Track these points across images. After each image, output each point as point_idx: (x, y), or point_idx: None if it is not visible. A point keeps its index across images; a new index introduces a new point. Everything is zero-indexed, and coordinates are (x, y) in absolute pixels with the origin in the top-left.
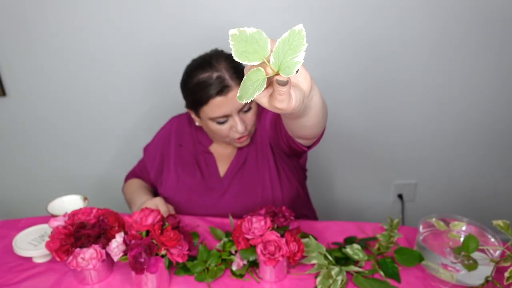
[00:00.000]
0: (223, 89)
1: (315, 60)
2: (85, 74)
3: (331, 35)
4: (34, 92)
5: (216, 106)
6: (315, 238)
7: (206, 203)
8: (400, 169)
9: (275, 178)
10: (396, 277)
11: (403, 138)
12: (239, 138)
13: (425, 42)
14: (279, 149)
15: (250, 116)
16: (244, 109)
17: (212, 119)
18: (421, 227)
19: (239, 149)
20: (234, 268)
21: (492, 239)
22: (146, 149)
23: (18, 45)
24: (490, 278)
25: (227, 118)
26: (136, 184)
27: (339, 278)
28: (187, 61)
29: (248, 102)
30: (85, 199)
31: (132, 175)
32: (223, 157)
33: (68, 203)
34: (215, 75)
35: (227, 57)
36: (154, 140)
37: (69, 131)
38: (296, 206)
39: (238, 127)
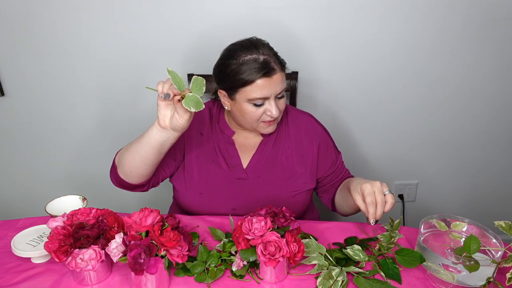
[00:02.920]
0: (270, 71)
1: (315, 60)
2: (84, 74)
3: (331, 35)
4: (32, 92)
5: (260, 87)
6: (316, 239)
7: (231, 192)
8: (401, 170)
9: (298, 180)
10: (397, 278)
11: (403, 138)
12: (268, 122)
13: (424, 42)
14: (314, 164)
15: (282, 103)
16: (279, 96)
17: (251, 100)
18: (422, 228)
19: (262, 141)
20: (234, 268)
21: (494, 240)
22: None
23: (17, 45)
24: (491, 279)
25: (264, 101)
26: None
27: (340, 278)
28: (187, 61)
29: (283, 89)
30: (84, 199)
31: None
32: (246, 149)
33: (67, 204)
34: (261, 57)
35: (268, 45)
36: None
37: (68, 131)
38: (307, 207)
39: (273, 111)
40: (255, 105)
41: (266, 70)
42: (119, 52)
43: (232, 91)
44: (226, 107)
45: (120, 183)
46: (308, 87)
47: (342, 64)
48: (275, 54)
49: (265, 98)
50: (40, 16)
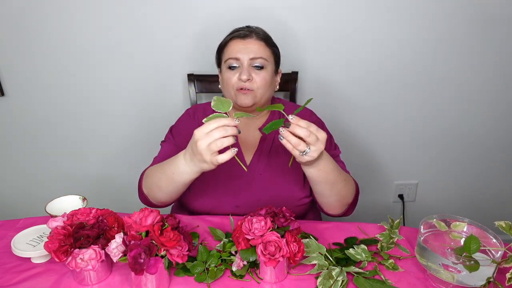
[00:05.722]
0: (243, 34)
1: (315, 60)
2: (84, 75)
3: (331, 35)
4: (32, 92)
5: (233, 48)
6: (316, 239)
7: (234, 189)
8: (401, 170)
9: (299, 176)
10: None
11: (404, 138)
12: (242, 90)
13: (426, 43)
14: None
15: (261, 75)
16: (256, 64)
17: (226, 62)
18: (422, 228)
19: (262, 138)
20: (234, 268)
21: (494, 240)
22: (175, 127)
23: (17, 45)
24: (491, 279)
25: (238, 63)
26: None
27: (340, 278)
28: (187, 62)
29: (259, 57)
30: (84, 199)
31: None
32: (248, 146)
33: (67, 203)
34: (246, 28)
35: (261, 29)
36: (180, 120)
37: (68, 131)
38: (311, 202)
39: (243, 73)
40: (230, 67)
41: (240, 32)
42: (120, 52)
43: (219, 61)
44: (219, 86)
45: (151, 206)
46: (308, 87)
47: (343, 64)
48: (261, 31)
49: (237, 59)
50: (40, 16)
